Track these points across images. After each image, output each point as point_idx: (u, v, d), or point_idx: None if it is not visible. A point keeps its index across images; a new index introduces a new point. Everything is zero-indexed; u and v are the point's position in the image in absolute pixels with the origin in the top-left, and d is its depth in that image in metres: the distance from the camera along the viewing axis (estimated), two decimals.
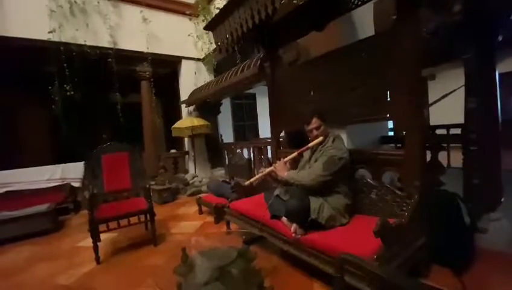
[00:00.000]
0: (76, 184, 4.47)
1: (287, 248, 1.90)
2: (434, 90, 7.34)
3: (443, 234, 1.81)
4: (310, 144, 2.00)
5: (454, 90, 3.03)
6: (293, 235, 1.77)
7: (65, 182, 4.36)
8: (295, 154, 2.08)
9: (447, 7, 1.81)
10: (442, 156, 2.58)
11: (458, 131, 3.00)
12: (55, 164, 4.48)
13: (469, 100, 2.02)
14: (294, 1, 2.18)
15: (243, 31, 2.16)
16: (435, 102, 4.09)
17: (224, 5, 2.20)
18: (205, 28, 2.56)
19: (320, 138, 1.95)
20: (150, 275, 2.07)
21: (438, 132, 3.64)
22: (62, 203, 4.06)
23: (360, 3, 2.16)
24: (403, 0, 1.75)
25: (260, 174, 2.15)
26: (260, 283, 1.51)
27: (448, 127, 3.55)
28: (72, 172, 4.49)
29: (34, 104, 5.55)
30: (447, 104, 3.97)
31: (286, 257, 2.05)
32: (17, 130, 5.68)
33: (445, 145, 3.26)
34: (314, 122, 1.95)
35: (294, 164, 2.35)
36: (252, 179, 2.14)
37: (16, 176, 4.07)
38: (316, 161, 1.97)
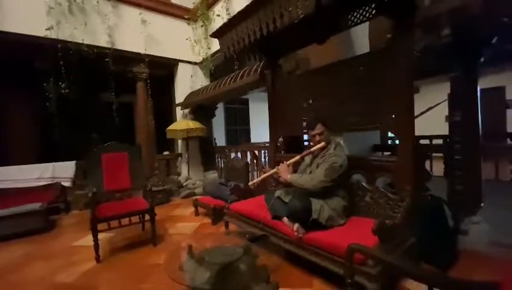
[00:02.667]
0: (67, 184, 4.38)
1: (289, 247, 2.01)
2: (417, 103, 7.80)
3: (429, 235, 1.98)
4: (313, 149, 2.13)
5: (439, 104, 3.28)
6: (296, 234, 1.88)
7: (55, 181, 4.28)
8: (298, 157, 2.21)
9: (436, 30, 2.02)
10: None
11: (440, 141, 3.26)
12: (44, 163, 4.38)
13: (454, 114, 2.24)
14: (298, 13, 2.34)
15: (250, 41, 2.29)
16: (421, 114, 4.37)
17: (233, 16, 2.32)
18: (212, 36, 2.66)
19: (323, 144, 2.09)
20: (152, 273, 2.11)
21: (422, 142, 3.90)
22: (53, 203, 3.97)
23: (358, 21, 2.35)
24: (398, 21, 1.95)
25: (263, 175, 2.25)
26: (267, 277, 1.61)
27: (431, 137, 3.83)
28: (63, 171, 4.40)
29: (24, 101, 5.40)
30: (427, 116, 4.25)
31: (286, 255, 2.15)
32: (7, 127, 5.49)
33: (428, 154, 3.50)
34: (318, 128, 2.09)
35: (294, 167, 2.47)
36: (255, 180, 2.24)
37: (3, 174, 3.95)
38: (317, 166, 2.10)
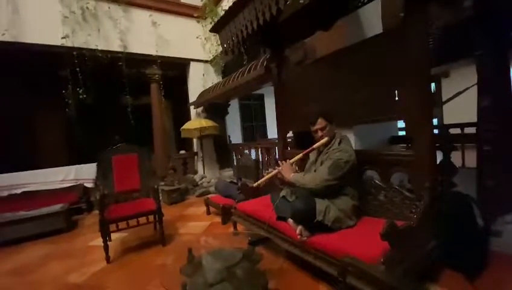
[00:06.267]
0: (90, 185, 4.59)
1: (293, 250, 1.88)
2: (448, 88, 7.16)
3: (455, 237, 1.75)
4: (315, 145, 1.98)
5: (468, 88, 2.92)
6: (299, 237, 1.75)
7: (79, 183, 4.50)
8: (300, 155, 2.06)
9: (456, 2, 1.75)
10: (457, 157, 2.50)
11: (473, 130, 2.90)
12: (69, 165, 4.63)
13: (482, 98, 1.95)
14: (300, 1, 2.17)
15: (248, 32, 2.16)
16: (448, 100, 3.98)
17: (229, 7, 2.21)
18: (211, 30, 2.57)
19: (326, 139, 1.92)
20: (157, 275, 2.10)
21: (452, 131, 3.52)
22: (75, 204, 4.18)
23: (366, 0, 2.13)
24: None
25: (267, 176, 2.14)
26: (265, 284, 1.51)
27: (462, 126, 3.44)
28: (86, 173, 4.61)
29: (49, 107, 5.74)
30: (463, 102, 3.84)
31: (292, 258, 2.03)
32: (34, 132, 5.89)
33: (459, 145, 3.15)
34: (320, 122, 1.93)
35: (302, 164, 2.33)
36: (259, 181, 2.14)
37: (31, 177, 4.22)
38: (321, 163, 1.94)
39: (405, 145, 3.26)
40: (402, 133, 3.30)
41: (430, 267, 1.63)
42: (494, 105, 1.89)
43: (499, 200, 1.96)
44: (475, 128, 2.56)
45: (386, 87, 1.93)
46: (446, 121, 7.05)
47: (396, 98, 1.89)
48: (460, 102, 3.91)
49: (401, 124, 3.23)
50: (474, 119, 2.22)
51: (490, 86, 1.90)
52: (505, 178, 1.96)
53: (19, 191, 4.02)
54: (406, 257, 1.47)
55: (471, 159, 2.78)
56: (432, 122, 1.73)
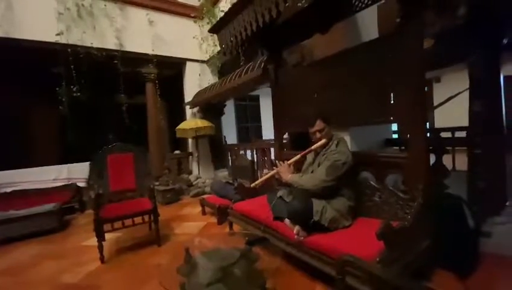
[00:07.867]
0: (82, 184, 4.53)
1: (290, 250, 1.90)
2: (439, 92, 7.33)
3: (447, 238, 1.80)
4: (314, 146, 2.01)
5: (460, 93, 3.01)
6: (296, 237, 1.77)
7: (71, 182, 4.43)
8: (299, 156, 2.09)
9: (451, 10, 1.81)
10: (447, 160, 2.56)
11: (463, 134, 2.99)
12: (62, 164, 4.55)
13: (473, 103, 2.01)
14: (299, 4, 2.20)
15: (247, 34, 2.18)
16: (440, 104, 4.07)
17: (229, 8, 2.23)
18: (210, 31, 2.59)
19: (324, 141, 1.95)
20: (154, 275, 2.09)
21: (443, 134, 3.62)
22: (68, 203, 4.11)
23: (363, 6, 2.17)
24: (407, 2, 1.76)
25: (264, 176, 2.16)
26: (262, 284, 1.52)
27: (453, 130, 3.53)
28: (78, 172, 4.54)
29: (42, 105, 5.63)
30: (454, 107, 3.94)
31: (289, 258, 2.05)
32: (26, 130, 5.77)
33: (450, 148, 3.24)
34: (318, 124, 1.96)
35: (298, 165, 2.35)
36: (256, 182, 2.16)
37: (22, 176, 4.14)
38: (319, 164, 1.97)
39: (399, 147, 3.33)
40: (396, 136, 3.36)
41: (423, 267, 1.67)
42: (485, 110, 1.96)
43: (489, 202, 2.03)
44: (465, 132, 2.65)
45: (382, 91, 1.97)
46: (437, 125, 7.23)
47: (391, 102, 1.95)
48: (451, 107, 4.02)
49: (395, 127, 3.30)
50: (464, 123, 2.29)
51: (482, 91, 1.97)
52: (494, 180, 2.03)
53: (8, 189, 3.93)
54: (401, 256, 1.51)
55: (461, 162, 2.87)
56: (426, 125, 1.78)
